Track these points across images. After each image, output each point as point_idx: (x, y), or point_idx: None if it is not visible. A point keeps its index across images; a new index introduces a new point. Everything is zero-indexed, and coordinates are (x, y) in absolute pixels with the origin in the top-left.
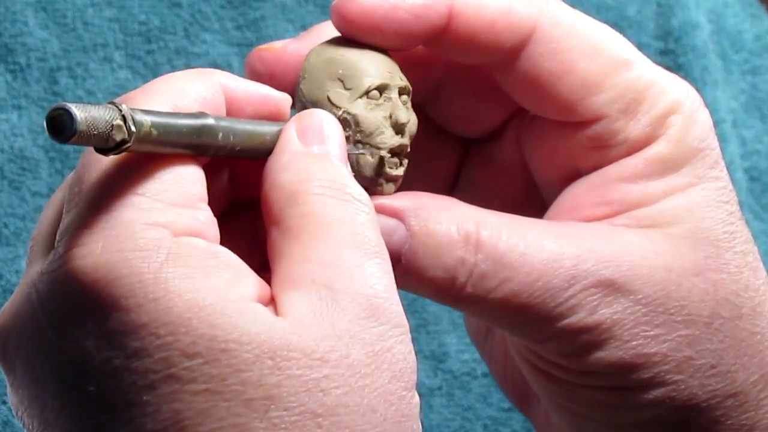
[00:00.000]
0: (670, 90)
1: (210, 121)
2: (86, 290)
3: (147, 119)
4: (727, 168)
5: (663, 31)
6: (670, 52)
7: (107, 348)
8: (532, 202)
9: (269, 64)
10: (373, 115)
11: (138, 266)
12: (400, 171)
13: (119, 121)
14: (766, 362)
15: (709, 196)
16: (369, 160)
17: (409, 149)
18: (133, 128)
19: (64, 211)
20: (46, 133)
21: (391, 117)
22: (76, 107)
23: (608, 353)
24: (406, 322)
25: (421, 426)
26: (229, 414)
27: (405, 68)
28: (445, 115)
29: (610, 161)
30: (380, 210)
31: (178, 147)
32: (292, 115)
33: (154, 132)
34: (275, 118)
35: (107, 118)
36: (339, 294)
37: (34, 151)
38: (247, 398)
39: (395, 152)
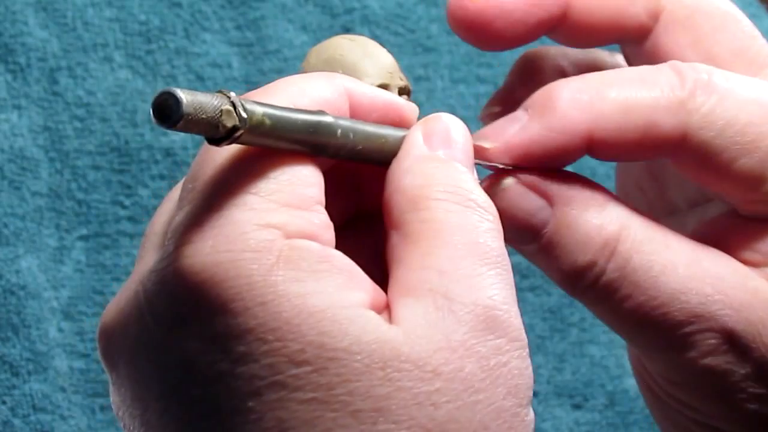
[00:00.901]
0: None
1: (328, 118)
2: (193, 291)
3: (259, 109)
4: None
5: None
6: None
7: (212, 351)
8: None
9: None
10: None
11: (247, 268)
12: None
13: (228, 106)
14: None
15: None
16: None
17: None
18: (243, 114)
19: (176, 208)
20: (153, 121)
21: None
22: (182, 91)
23: (710, 397)
24: (524, 336)
25: None
26: (336, 425)
27: None
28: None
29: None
30: (531, 185)
31: (293, 143)
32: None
33: (267, 122)
34: (399, 126)
35: (215, 104)
36: (456, 304)
37: (34, 151)
38: (355, 409)
39: None
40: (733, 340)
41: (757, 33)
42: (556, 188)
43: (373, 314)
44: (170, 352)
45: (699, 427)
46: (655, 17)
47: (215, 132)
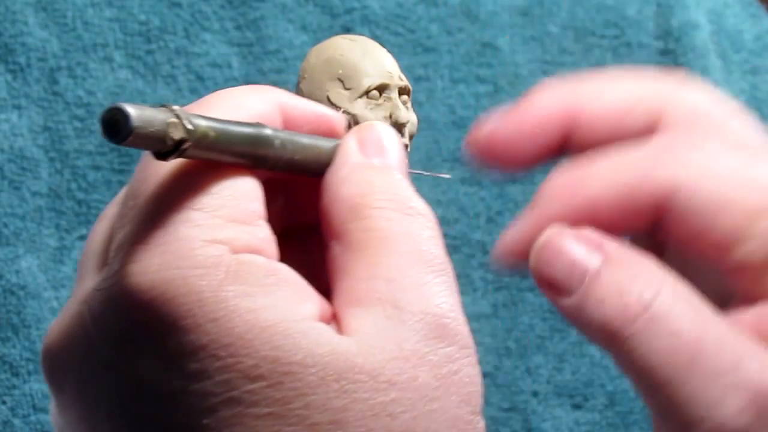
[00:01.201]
0: None
1: (267, 130)
2: (142, 309)
3: (203, 122)
4: None
5: (663, 31)
6: (670, 52)
7: (164, 369)
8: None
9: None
10: (373, 115)
11: (197, 284)
12: None
13: (174, 119)
14: None
15: None
16: None
17: (409, 149)
18: (189, 126)
19: (117, 226)
20: (103, 135)
21: (390, 117)
22: (129, 106)
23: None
24: (472, 343)
25: None
26: None
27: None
28: None
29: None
30: (583, 238)
31: (236, 155)
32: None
33: (212, 134)
34: (330, 136)
35: (162, 117)
36: (406, 313)
37: (34, 151)
38: (312, 422)
39: None
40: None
41: (758, 127)
42: (611, 248)
43: (324, 326)
44: (120, 370)
45: None
46: (656, 123)
47: (162, 146)
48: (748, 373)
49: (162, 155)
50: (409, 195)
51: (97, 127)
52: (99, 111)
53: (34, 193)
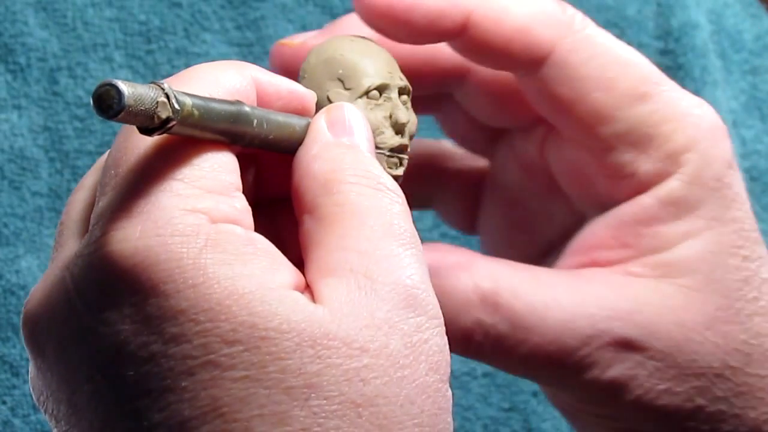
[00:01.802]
0: (687, 126)
1: (246, 108)
2: (124, 274)
3: (188, 100)
4: None
5: (663, 31)
6: (670, 52)
7: (144, 333)
8: (556, 197)
9: (287, 60)
10: (373, 115)
11: (177, 251)
12: (400, 171)
13: (163, 98)
14: None
15: (723, 242)
16: None
17: (409, 149)
18: (176, 106)
19: (98, 193)
20: (94, 110)
21: (390, 117)
22: (123, 83)
23: (623, 404)
24: (441, 314)
25: (452, 421)
26: (269, 401)
27: (440, 54)
28: (476, 104)
29: (624, 193)
30: None
31: (216, 133)
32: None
33: (196, 113)
34: (300, 113)
35: (152, 95)
36: (378, 283)
37: (34, 151)
38: (287, 386)
39: (395, 152)
40: (629, 347)
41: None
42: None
43: (299, 294)
44: (101, 334)
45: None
46: (548, 52)
47: (150, 122)
48: None
49: (147, 131)
50: (378, 172)
51: (97, 127)
52: None
53: (34, 193)
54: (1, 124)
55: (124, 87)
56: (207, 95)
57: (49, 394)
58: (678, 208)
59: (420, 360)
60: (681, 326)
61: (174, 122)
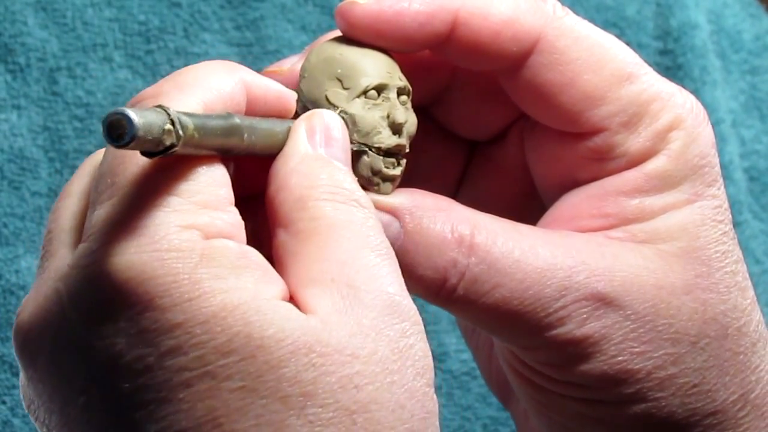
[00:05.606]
0: (673, 105)
1: (236, 120)
2: (119, 288)
3: (189, 122)
4: (727, 168)
5: (662, 31)
6: (670, 52)
7: (140, 346)
8: (533, 205)
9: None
10: (371, 115)
11: (173, 267)
12: (397, 171)
13: (169, 126)
14: (746, 382)
15: (705, 215)
16: (366, 159)
17: (407, 149)
18: (181, 132)
19: (91, 201)
20: (104, 138)
21: (388, 117)
22: (133, 112)
23: (593, 366)
24: (421, 320)
25: (439, 425)
26: (266, 411)
27: (413, 69)
28: (451, 117)
29: (609, 173)
30: (377, 206)
31: (211, 149)
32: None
33: (196, 135)
34: (284, 115)
35: (159, 123)
36: (361, 291)
37: (34, 151)
38: (284, 395)
39: (392, 152)
40: (605, 304)
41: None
42: (400, 201)
43: (290, 305)
44: (95, 347)
45: (588, 407)
46: (535, 39)
47: (155, 149)
48: None
49: (150, 154)
50: (352, 188)
51: (96, 127)
52: (99, 111)
53: (34, 193)
54: (1, 124)
55: (135, 116)
56: (202, 104)
57: (40, 403)
58: (663, 182)
59: (407, 365)
60: (660, 288)
61: (177, 147)
